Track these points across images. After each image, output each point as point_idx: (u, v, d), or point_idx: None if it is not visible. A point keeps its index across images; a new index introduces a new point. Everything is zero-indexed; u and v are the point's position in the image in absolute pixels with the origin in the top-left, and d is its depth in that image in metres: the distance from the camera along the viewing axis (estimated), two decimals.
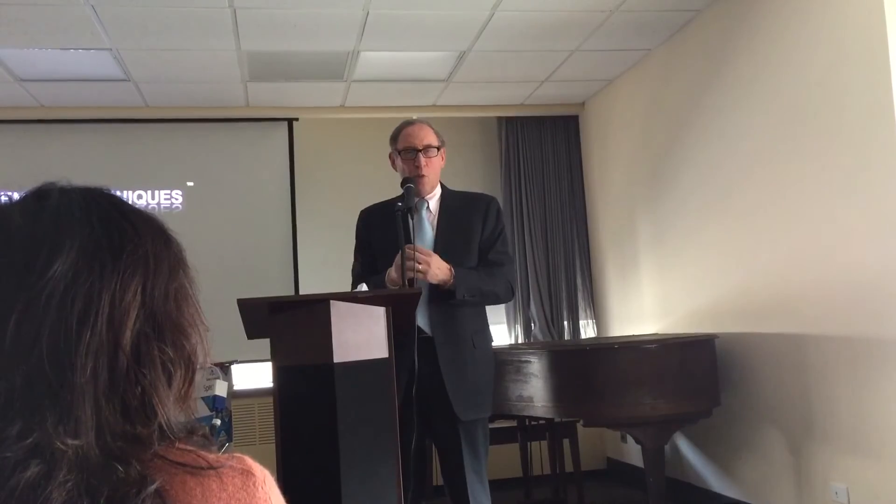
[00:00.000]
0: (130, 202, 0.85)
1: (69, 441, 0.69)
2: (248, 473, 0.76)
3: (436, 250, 2.82)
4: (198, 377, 0.82)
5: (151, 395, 0.75)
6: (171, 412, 0.77)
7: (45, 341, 0.71)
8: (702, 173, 4.52)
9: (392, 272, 2.71)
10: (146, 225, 0.81)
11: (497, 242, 2.94)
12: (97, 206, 0.79)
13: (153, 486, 0.70)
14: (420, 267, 2.64)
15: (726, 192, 4.28)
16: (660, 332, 4.99)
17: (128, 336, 0.75)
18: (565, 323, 5.91)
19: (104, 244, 0.76)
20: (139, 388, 0.75)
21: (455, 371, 2.78)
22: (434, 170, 2.91)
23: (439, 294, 2.79)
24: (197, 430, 0.79)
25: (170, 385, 0.78)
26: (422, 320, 2.76)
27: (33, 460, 0.68)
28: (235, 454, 0.78)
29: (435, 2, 4.07)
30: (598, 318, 5.96)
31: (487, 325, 2.97)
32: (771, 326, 3.94)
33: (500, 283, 2.89)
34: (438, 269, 2.70)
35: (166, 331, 0.78)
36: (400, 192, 2.84)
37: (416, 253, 2.63)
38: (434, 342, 2.77)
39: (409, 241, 2.68)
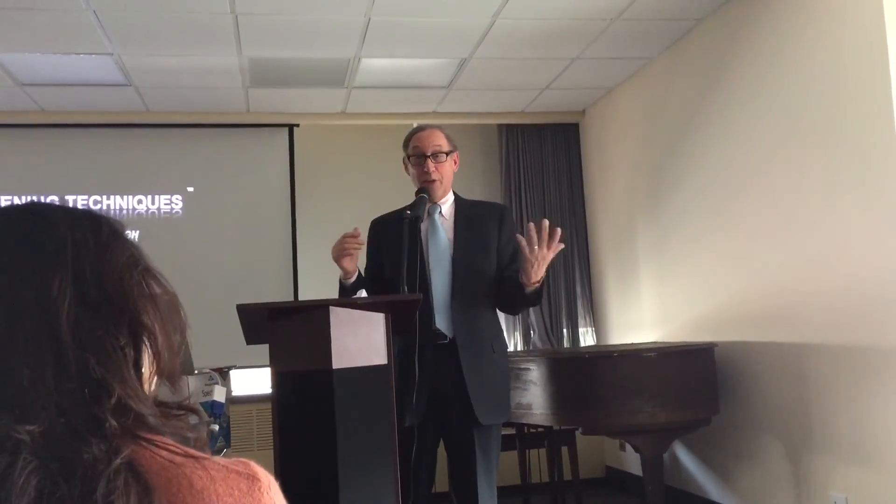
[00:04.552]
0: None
1: (28, 428, 0.70)
2: (253, 478, 0.76)
3: (455, 256, 2.84)
4: (162, 344, 0.81)
5: (103, 375, 0.75)
6: (133, 389, 0.76)
7: None
8: (701, 181, 4.52)
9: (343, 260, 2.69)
10: (65, 216, 0.82)
11: (515, 258, 2.90)
12: (18, 222, 0.81)
13: (121, 460, 0.70)
14: (539, 267, 2.66)
15: (726, 200, 4.28)
16: (659, 340, 4.98)
17: (64, 323, 0.75)
18: (564, 331, 5.91)
19: (26, 250, 0.78)
20: (89, 370, 0.75)
21: (477, 374, 2.78)
22: (445, 174, 2.90)
23: (462, 297, 2.80)
24: (178, 409, 0.79)
25: (125, 359, 0.78)
26: (444, 323, 2.78)
27: None
28: (241, 459, 0.78)
29: (436, 9, 4.09)
30: (597, 325, 5.95)
31: (503, 331, 3.00)
32: (770, 335, 3.94)
33: None
34: (544, 268, 2.71)
35: (103, 309, 0.78)
36: (411, 198, 2.83)
37: (542, 250, 2.64)
38: (456, 345, 2.78)
39: (417, 249, 2.69)
